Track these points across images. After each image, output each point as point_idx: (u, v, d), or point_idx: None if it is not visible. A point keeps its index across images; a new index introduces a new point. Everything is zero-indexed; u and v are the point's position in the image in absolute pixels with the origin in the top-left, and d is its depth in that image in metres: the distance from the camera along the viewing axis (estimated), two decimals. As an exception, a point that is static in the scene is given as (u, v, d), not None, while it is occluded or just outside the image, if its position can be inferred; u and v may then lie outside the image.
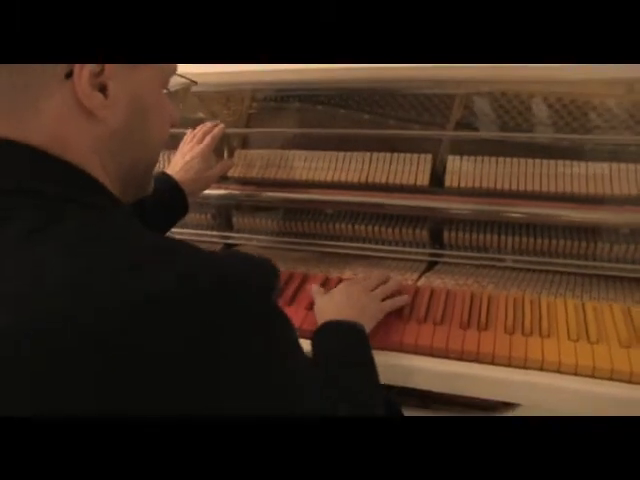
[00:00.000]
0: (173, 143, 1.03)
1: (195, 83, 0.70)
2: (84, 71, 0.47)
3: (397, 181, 0.99)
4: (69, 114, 0.49)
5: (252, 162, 1.08)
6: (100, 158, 0.52)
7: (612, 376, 0.76)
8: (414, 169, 0.99)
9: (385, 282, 0.91)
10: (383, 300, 0.87)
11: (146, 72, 0.54)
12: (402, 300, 0.88)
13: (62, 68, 0.47)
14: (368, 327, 0.81)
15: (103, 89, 0.49)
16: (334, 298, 0.86)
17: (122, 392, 0.41)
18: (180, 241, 0.48)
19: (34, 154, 0.48)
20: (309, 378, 0.54)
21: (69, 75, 0.47)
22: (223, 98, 1.08)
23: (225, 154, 1.10)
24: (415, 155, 1.00)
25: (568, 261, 0.95)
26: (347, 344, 0.76)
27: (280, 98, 1.06)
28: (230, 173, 1.08)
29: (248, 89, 1.06)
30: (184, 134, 1.03)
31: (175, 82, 0.61)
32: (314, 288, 0.91)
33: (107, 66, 0.49)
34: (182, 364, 0.42)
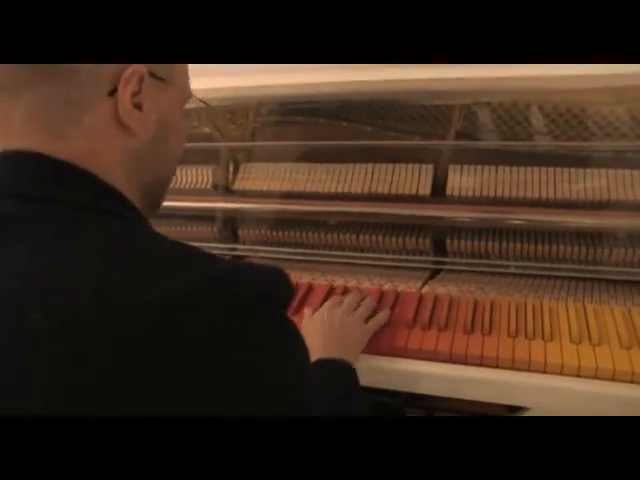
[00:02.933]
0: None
1: (208, 105, 0.73)
2: (127, 89, 0.52)
3: (399, 191, 1.01)
4: (105, 128, 0.52)
5: (257, 175, 1.10)
6: (125, 172, 0.55)
7: (614, 377, 0.77)
8: (416, 179, 1.02)
9: (363, 299, 0.91)
10: (366, 320, 0.88)
11: (171, 93, 0.58)
12: (384, 316, 0.89)
13: (106, 85, 0.51)
14: (355, 355, 0.83)
15: (139, 107, 0.53)
16: (318, 327, 0.86)
17: (131, 390, 0.42)
18: (199, 249, 0.50)
19: (63, 168, 0.51)
20: (317, 388, 0.56)
21: (112, 93, 0.51)
22: (228, 113, 1.11)
23: (230, 167, 1.13)
24: (416, 165, 1.02)
25: (569, 266, 0.97)
26: (335, 383, 0.76)
27: (284, 112, 1.09)
28: (236, 186, 1.10)
29: (252, 104, 1.09)
30: (191, 149, 1.06)
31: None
32: (306, 312, 0.92)
33: (144, 86, 0.53)
34: (191, 368, 0.43)
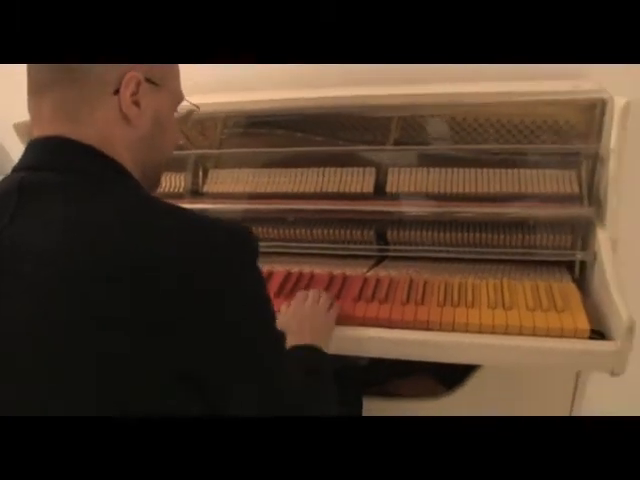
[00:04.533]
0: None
1: (198, 108, 0.88)
2: (127, 90, 0.68)
3: (346, 190, 1.18)
4: (113, 120, 0.68)
5: (224, 179, 1.26)
6: (131, 155, 0.71)
7: (521, 332, 0.94)
8: (360, 180, 1.19)
9: (321, 294, 1.03)
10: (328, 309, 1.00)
11: (164, 95, 0.74)
12: (339, 307, 1.02)
13: (111, 87, 0.67)
14: (327, 338, 0.94)
15: (137, 104, 0.69)
16: (292, 323, 0.95)
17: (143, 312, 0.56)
18: (181, 208, 0.66)
19: (85, 149, 0.67)
20: (281, 339, 0.71)
21: (116, 92, 0.67)
22: (199, 126, 1.26)
23: (200, 174, 1.28)
24: (361, 168, 1.20)
25: (491, 250, 1.14)
26: (305, 361, 0.87)
27: (247, 125, 1.25)
28: (205, 189, 1.26)
29: (220, 117, 1.25)
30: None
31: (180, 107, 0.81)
32: (282, 309, 1.02)
33: (140, 89, 0.69)
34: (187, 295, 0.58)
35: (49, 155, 0.67)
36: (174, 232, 0.60)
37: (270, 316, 0.67)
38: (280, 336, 0.70)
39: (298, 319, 0.97)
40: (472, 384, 1.18)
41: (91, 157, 0.67)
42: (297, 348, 0.88)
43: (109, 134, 0.68)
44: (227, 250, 0.62)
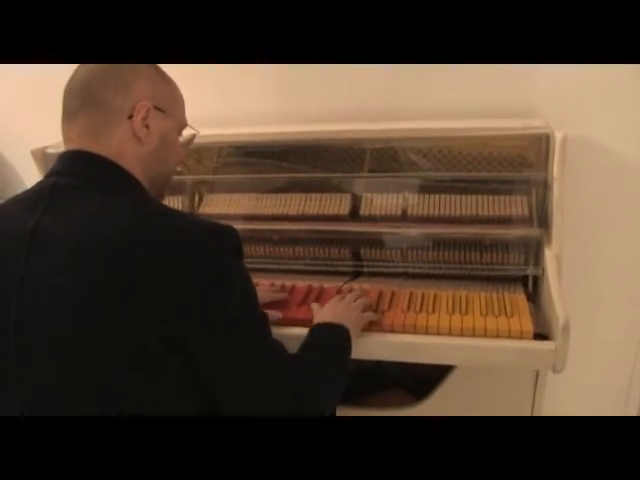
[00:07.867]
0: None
1: (198, 132, 1.02)
2: (139, 115, 0.84)
3: (325, 212, 1.33)
4: (127, 139, 0.85)
5: (217, 203, 1.41)
6: (141, 167, 0.87)
7: (474, 334, 1.06)
8: (337, 204, 1.33)
9: (361, 297, 1.13)
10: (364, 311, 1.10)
11: (170, 121, 0.90)
12: (378, 316, 1.12)
13: (127, 113, 0.84)
14: (353, 332, 1.01)
15: (147, 127, 0.86)
16: (326, 312, 1.06)
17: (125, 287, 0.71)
18: (177, 210, 0.82)
19: (103, 160, 0.83)
20: (261, 318, 0.84)
21: (130, 117, 0.84)
22: (196, 155, 1.42)
23: (196, 197, 1.43)
24: (339, 194, 1.35)
25: (453, 266, 1.27)
26: (326, 336, 0.98)
27: (239, 155, 1.41)
28: (200, 211, 1.40)
29: (214, 148, 1.41)
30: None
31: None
32: (314, 306, 1.12)
33: (150, 114, 0.85)
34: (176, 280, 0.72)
35: (75, 164, 0.83)
36: (172, 225, 0.76)
37: (251, 295, 0.81)
38: (261, 315, 0.83)
39: (331, 306, 1.07)
40: (439, 394, 1.29)
41: (108, 167, 0.83)
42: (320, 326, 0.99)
43: (124, 150, 0.84)
44: (214, 239, 0.77)
